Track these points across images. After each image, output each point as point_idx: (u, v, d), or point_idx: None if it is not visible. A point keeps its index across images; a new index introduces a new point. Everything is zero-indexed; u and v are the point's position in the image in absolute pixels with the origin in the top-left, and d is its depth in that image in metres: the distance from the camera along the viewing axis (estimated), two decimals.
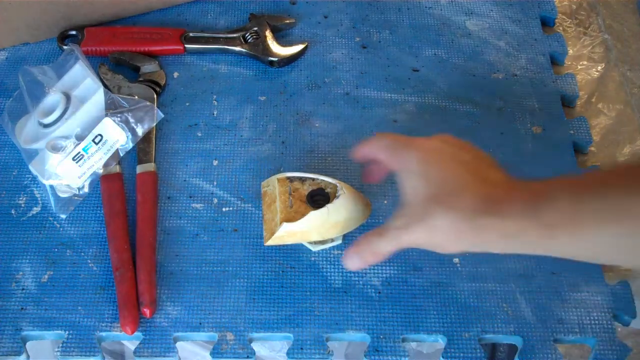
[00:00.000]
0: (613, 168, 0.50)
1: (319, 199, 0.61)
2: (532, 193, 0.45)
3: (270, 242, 0.60)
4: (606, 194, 0.41)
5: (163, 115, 0.71)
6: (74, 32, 0.78)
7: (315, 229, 0.59)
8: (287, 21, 0.80)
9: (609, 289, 0.62)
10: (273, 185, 0.63)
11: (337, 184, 0.61)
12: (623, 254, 0.43)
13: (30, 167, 0.67)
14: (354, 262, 0.53)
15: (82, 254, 0.64)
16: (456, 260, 0.64)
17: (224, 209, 0.67)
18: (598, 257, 0.45)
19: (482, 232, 0.46)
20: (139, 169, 0.68)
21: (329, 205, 0.59)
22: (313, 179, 0.62)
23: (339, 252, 0.64)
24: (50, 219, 0.66)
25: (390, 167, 0.54)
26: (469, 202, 0.46)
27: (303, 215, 0.59)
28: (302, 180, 0.62)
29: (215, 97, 0.75)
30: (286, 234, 0.59)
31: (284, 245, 0.64)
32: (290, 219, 0.59)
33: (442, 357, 0.59)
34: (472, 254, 0.64)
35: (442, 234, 0.47)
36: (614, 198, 0.41)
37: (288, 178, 0.62)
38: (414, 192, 0.49)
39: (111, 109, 0.69)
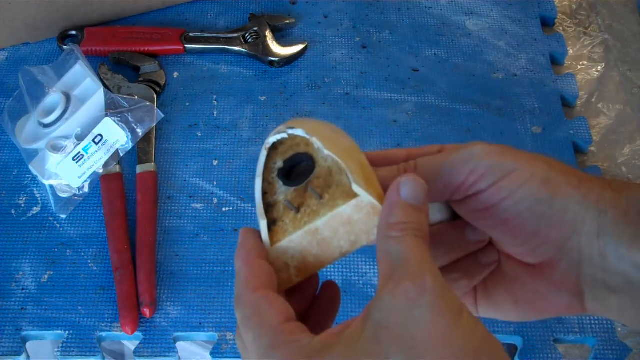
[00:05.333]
0: None
1: (302, 169, 0.37)
2: None
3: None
4: None
5: (163, 115, 0.71)
6: (74, 32, 0.78)
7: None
8: (287, 21, 0.80)
9: None
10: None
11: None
12: None
13: (30, 167, 0.67)
14: None
15: (82, 254, 0.64)
16: None
17: (224, 209, 0.67)
18: None
19: None
20: (139, 169, 0.68)
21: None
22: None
23: None
24: (50, 219, 0.66)
25: None
26: None
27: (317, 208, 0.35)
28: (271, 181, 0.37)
29: (215, 97, 0.75)
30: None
31: None
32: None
33: None
34: None
35: None
36: None
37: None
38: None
39: (111, 109, 0.69)
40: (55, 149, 0.65)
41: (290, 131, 0.35)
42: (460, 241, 0.37)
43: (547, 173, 0.34)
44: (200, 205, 0.67)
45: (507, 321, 0.60)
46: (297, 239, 0.34)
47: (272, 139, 0.36)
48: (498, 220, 0.34)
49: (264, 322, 0.31)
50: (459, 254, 0.38)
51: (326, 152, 0.34)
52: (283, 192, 0.36)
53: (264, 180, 0.37)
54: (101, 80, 0.72)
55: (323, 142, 0.34)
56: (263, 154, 0.37)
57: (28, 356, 0.60)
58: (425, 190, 0.33)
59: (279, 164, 0.37)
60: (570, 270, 0.34)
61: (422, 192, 0.32)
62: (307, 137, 0.35)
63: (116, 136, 0.67)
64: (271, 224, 0.36)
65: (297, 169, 0.36)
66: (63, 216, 0.66)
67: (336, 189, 0.34)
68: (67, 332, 0.59)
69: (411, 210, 0.32)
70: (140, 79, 0.75)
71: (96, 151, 0.66)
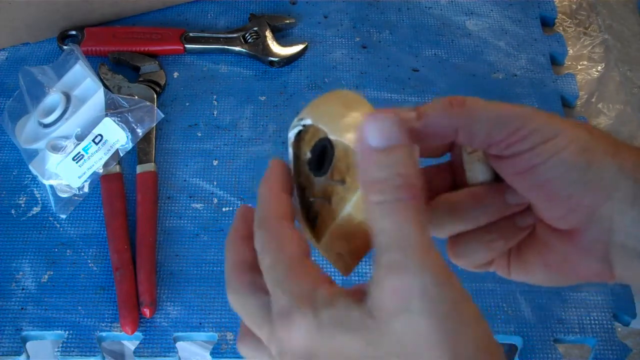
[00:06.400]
0: None
1: (329, 154, 0.35)
2: None
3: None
4: None
5: (163, 115, 0.71)
6: (74, 32, 0.78)
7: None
8: (287, 21, 0.80)
9: (608, 289, 0.62)
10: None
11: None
12: None
13: (30, 167, 0.67)
14: None
15: (82, 254, 0.64)
16: None
17: (224, 209, 0.67)
18: None
19: None
20: (139, 169, 0.68)
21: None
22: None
23: None
24: (50, 219, 0.66)
25: None
26: None
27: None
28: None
29: (215, 97, 0.75)
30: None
31: None
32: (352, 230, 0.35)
33: None
34: None
35: None
36: None
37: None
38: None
39: (111, 109, 0.69)
40: (55, 149, 0.65)
41: (302, 122, 0.34)
42: (500, 203, 0.37)
43: (586, 141, 0.34)
44: (200, 205, 0.67)
45: (506, 321, 0.60)
46: (336, 230, 0.34)
47: (291, 134, 0.35)
48: (532, 184, 0.34)
49: (283, 249, 0.30)
50: (497, 215, 0.37)
51: (332, 137, 0.33)
52: (317, 184, 0.36)
53: (301, 174, 0.36)
54: (101, 80, 0.72)
55: (328, 125, 0.32)
56: (290, 153, 0.36)
57: (28, 356, 0.60)
58: (397, 123, 0.27)
59: (308, 154, 0.36)
60: (599, 237, 0.34)
61: (393, 127, 0.26)
62: (315, 124, 0.33)
63: (116, 136, 0.67)
64: (314, 219, 0.35)
65: (325, 155, 0.35)
66: (63, 216, 0.66)
67: (355, 169, 0.33)
68: (67, 332, 0.59)
69: (383, 156, 0.27)
70: (140, 79, 0.75)
71: (96, 151, 0.66)
